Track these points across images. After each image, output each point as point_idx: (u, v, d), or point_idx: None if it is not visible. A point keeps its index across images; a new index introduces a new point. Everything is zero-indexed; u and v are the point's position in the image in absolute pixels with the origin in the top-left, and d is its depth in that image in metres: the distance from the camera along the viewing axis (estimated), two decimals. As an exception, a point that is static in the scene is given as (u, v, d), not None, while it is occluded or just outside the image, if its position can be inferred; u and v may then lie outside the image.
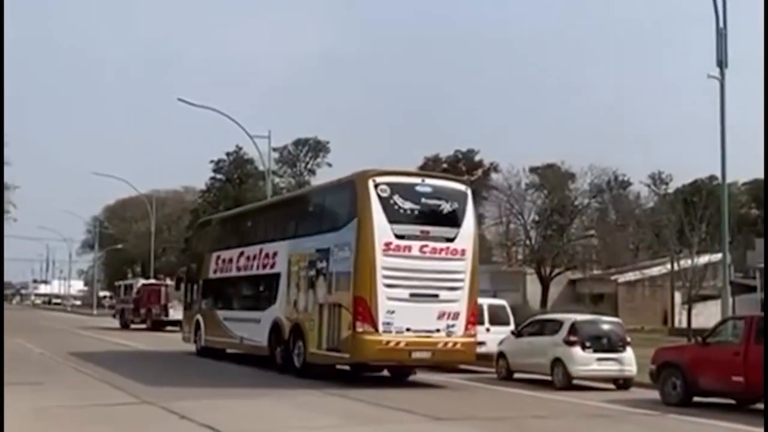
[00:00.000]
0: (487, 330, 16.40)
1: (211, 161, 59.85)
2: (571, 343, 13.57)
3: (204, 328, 19.00)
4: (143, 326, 32.79)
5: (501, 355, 15.15)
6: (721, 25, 16.27)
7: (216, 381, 14.02)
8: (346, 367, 14.42)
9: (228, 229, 19.89)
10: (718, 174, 21.09)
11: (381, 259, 12.53)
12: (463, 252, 13.10)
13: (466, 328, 13.08)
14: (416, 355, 12.82)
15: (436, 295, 12.85)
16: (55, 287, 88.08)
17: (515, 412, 11.13)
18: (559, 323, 14.25)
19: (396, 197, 12.82)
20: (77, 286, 79.61)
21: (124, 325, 34.44)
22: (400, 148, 76.61)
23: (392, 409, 10.72)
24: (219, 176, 59.86)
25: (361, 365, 13.81)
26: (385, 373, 14.84)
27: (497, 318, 16.99)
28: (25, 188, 56.00)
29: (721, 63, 16.23)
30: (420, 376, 14.80)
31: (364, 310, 12.51)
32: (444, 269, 12.91)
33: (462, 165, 57.16)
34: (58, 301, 79.84)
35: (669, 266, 34.21)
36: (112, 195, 71.91)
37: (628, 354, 13.74)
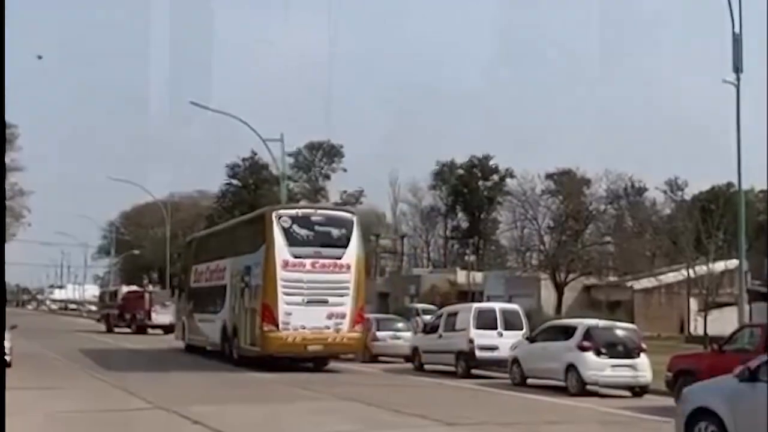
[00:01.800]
0: (500, 335, 16.38)
1: (227, 166, 59.96)
2: (584, 349, 13.55)
3: (188, 329, 22.03)
4: (127, 330, 33.87)
5: (515, 360, 15.15)
6: (737, 30, 16.19)
7: (196, 376, 15.97)
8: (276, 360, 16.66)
9: (202, 247, 23.10)
10: (735, 180, 20.93)
11: (281, 274, 15.95)
12: (349, 267, 16.38)
13: (353, 326, 16.32)
14: (311, 348, 16.12)
15: (326, 300, 16.14)
16: (69, 292, 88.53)
17: (527, 417, 11.14)
18: (573, 328, 14.23)
19: (295, 226, 16.33)
20: (93, 291, 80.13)
21: (109, 329, 35.80)
22: (415, 152, 76.30)
23: (407, 415, 10.78)
24: (234, 182, 59.99)
25: (278, 357, 16.43)
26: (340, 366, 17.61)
27: (510, 323, 16.96)
28: (40, 193, 56.30)
29: (737, 69, 16.15)
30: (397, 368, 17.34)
31: (269, 313, 15.91)
32: (332, 280, 16.21)
33: (477, 171, 57.01)
34: (74, 306, 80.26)
35: (685, 273, 33.92)
36: (126, 200, 72.08)
37: (643, 361, 13.68)
